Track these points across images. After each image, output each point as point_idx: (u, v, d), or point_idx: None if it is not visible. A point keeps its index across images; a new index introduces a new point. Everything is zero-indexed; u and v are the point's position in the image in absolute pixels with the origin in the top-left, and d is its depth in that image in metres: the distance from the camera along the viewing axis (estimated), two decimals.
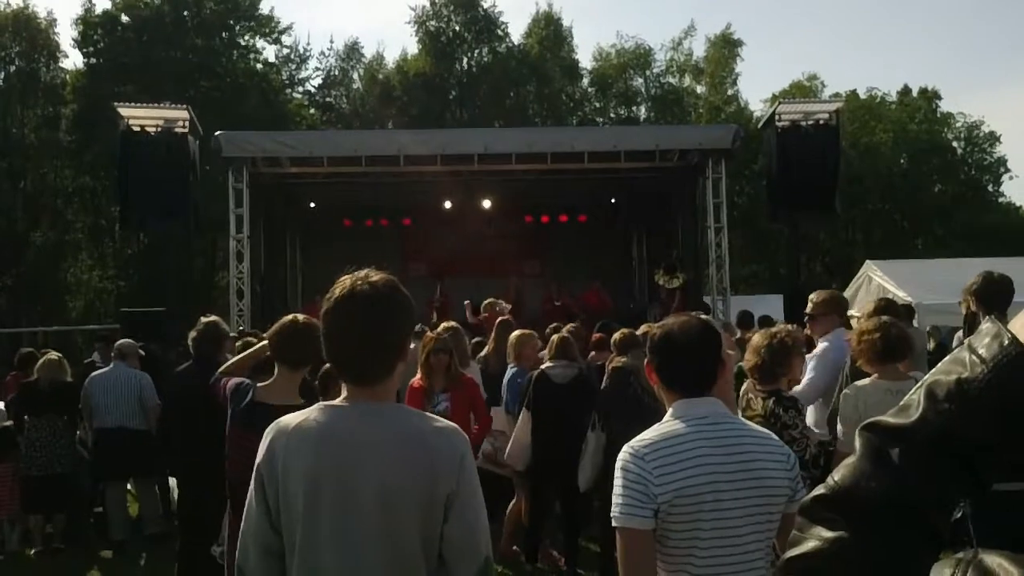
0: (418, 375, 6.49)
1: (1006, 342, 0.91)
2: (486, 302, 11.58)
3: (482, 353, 8.27)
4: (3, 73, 32.04)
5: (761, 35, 61.29)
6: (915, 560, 0.86)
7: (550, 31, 38.15)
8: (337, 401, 2.23)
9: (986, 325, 0.95)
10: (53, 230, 31.71)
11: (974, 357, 0.92)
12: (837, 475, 1.00)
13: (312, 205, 16.92)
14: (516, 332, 7.62)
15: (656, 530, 2.41)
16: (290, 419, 2.21)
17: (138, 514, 8.76)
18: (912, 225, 37.35)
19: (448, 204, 16.46)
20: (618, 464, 2.48)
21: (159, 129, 13.53)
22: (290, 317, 3.92)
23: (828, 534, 0.97)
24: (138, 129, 13.47)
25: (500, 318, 8.82)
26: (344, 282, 2.23)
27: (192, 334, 6.39)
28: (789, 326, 5.21)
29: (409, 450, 2.14)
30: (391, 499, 2.10)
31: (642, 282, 18.04)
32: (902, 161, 37.47)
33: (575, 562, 6.74)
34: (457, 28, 36.89)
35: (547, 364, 6.74)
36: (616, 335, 6.56)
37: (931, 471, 0.92)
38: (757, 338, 4.44)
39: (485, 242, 17.48)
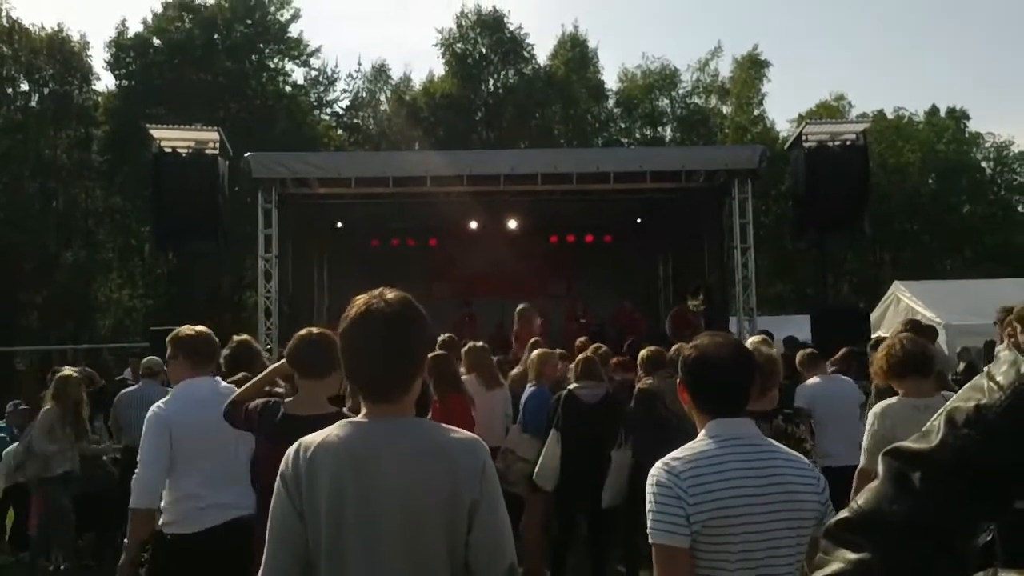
0: None
1: (1023, 369, 0.93)
2: (518, 309, 11.48)
3: (513, 372, 8.30)
4: (37, 95, 32.58)
5: (788, 55, 61.29)
6: None
7: (576, 53, 38.32)
8: (358, 417, 2.26)
9: (1004, 353, 0.98)
10: (84, 250, 32.12)
11: (992, 384, 0.94)
12: (861, 499, 1.02)
13: (339, 225, 17.03)
14: (537, 351, 7.67)
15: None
16: (313, 437, 2.23)
17: None
18: (941, 246, 37.07)
19: (474, 225, 16.53)
20: (651, 480, 2.47)
21: (190, 151, 13.74)
22: (304, 331, 3.95)
23: (852, 556, 0.99)
24: (169, 150, 13.67)
25: (532, 339, 8.85)
26: (359, 300, 2.26)
27: (225, 352, 6.42)
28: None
29: (431, 462, 2.17)
30: (415, 511, 2.13)
31: (668, 302, 18.00)
32: (930, 181, 37.25)
33: None
34: (484, 50, 37.13)
35: (575, 384, 6.77)
36: (643, 353, 6.57)
37: (951, 495, 0.95)
38: None
39: (511, 262, 17.47)
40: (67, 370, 8.49)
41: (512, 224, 16.50)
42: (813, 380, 7.17)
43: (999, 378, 0.95)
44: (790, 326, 14.32)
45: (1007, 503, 0.96)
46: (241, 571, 4.69)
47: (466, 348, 7.93)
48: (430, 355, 6.90)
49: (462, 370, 7.82)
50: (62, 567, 8.26)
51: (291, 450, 2.24)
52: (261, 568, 2.22)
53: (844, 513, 1.03)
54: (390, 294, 2.27)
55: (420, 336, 2.29)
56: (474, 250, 17.51)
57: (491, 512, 2.18)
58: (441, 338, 8.74)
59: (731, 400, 2.57)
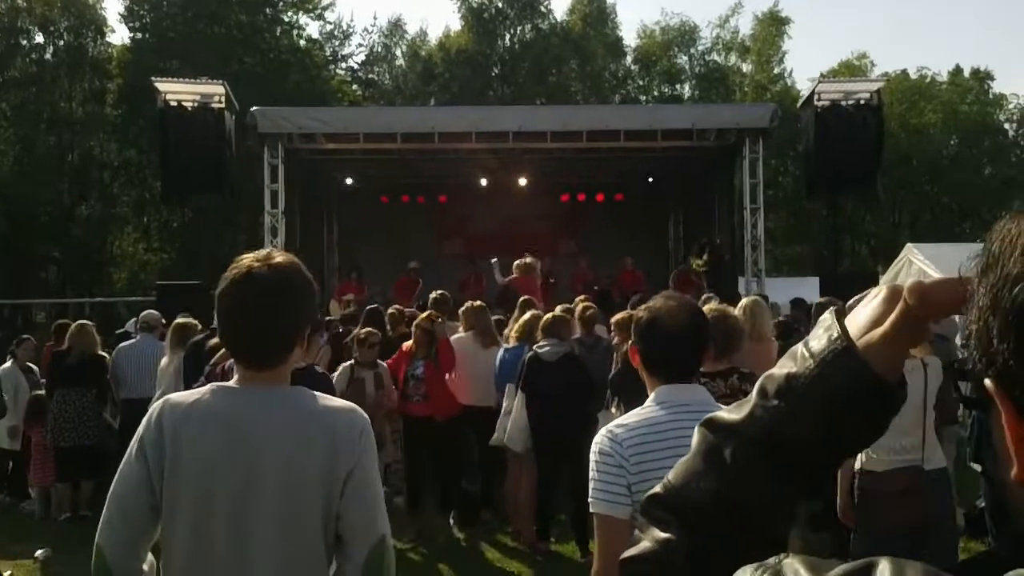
0: (411, 341, 7.41)
1: (835, 335, 0.85)
2: (518, 262, 11.40)
3: (506, 331, 8.26)
4: (51, 48, 32.46)
5: (810, 13, 60.35)
6: (742, 563, 0.81)
7: (593, 8, 37.74)
8: (231, 383, 2.18)
9: (824, 316, 0.89)
10: (99, 203, 32.18)
11: (805, 351, 0.87)
12: (672, 473, 0.95)
13: (349, 182, 16.96)
14: (529, 312, 7.62)
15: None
16: (180, 399, 2.15)
17: None
18: (961, 208, 36.61)
19: (484, 182, 16.40)
20: (594, 447, 2.41)
21: (196, 104, 13.67)
22: None
23: (660, 535, 0.92)
24: (175, 104, 13.61)
25: (522, 298, 8.80)
26: (241, 262, 2.15)
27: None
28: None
29: (308, 430, 2.10)
30: (292, 481, 2.07)
31: (678, 262, 17.86)
32: (952, 143, 36.68)
33: (586, 539, 6.73)
34: (500, 5, 36.64)
35: (539, 344, 6.77)
36: (616, 318, 6.57)
37: (759, 472, 0.87)
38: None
39: (521, 221, 17.37)
40: (183, 319, 8.25)
41: (522, 182, 16.36)
42: None
43: (812, 344, 0.87)
44: (801, 288, 14.18)
45: (820, 480, 0.90)
46: None
47: (464, 307, 7.90)
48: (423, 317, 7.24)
49: (459, 328, 7.82)
50: (61, 518, 8.35)
51: (154, 410, 2.14)
52: (98, 532, 2.11)
53: (656, 488, 0.96)
54: (277, 257, 2.17)
55: (298, 306, 2.18)
56: (484, 208, 17.40)
57: (364, 482, 2.11)
58: (434, 295, 8.72)
59: (680, 365, 2.49)
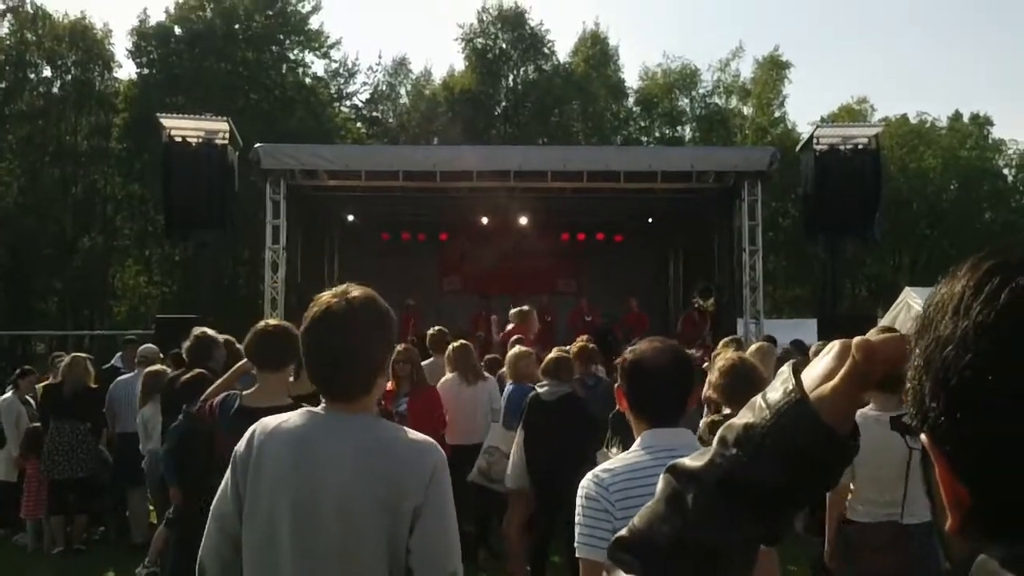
0: (391, 381, 7.22)
1: (790, 387, 0.90)
2: (514, 311, 11.40)
3: (502, 371, 8.26)
4: (59, 82, 32.79)
5: (811, 57, 60.85)
6: None
7: (596, 50, 38.16)
8: (318, 408, 2.25)
9: (783, 369, 0.93)
10: (101, 236, 32.31)
11: (762, 402, 0.91)
12: (637, 517, 0.99)
13: (350, 218, 17.03)
14: (514, 350, 7.64)
15: None
16: (271, 420, 2.25)
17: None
18: (960, 252, 36.60)
19: (485, 220, 16.48)
20: (580, 492, 2.42)
21: (200, 140, 13.76)
22: (262, 324, 4.00)
23: None
24: (180, 140, 13.71)
25: (513, 337, 8.81)
26: (321, 298, 2.24)
27: (185, 344, 6.25)
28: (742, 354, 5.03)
29: (373, 460, 2.15)
30: (350, 508, 2.11)
31: (677, 302, 17.92)
32: (951, 187, 36.90)
33: None
34: (504, 46, 37.06)
35: (540, 384, 6.78)
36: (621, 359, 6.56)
37: (719, 517, 0.91)
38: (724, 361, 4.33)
39: (521, 259, 17.43)
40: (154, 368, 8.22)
41: (523, 221, 16.42)
42: None
43: (770, 396, 0.91)
44: (800, 330, 14.20)
45: (776, 525, 0.93)
46: None
47: (447, 350, 7.88)
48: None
49: (447, 369, 7.82)
50: (55, 552, 8.31)
51: (249, 431, 2.24)
52: (201, 545, 2.26)
53: (622, 531, 1.00)
54: (354, 292, 2.25)
55: (381, 339, 2.27)
56: (485, 246, 17.45)
57: (434, 518, 2.14)
58: (431, 332, 8.74)
59: (665, 407, 2.51)
